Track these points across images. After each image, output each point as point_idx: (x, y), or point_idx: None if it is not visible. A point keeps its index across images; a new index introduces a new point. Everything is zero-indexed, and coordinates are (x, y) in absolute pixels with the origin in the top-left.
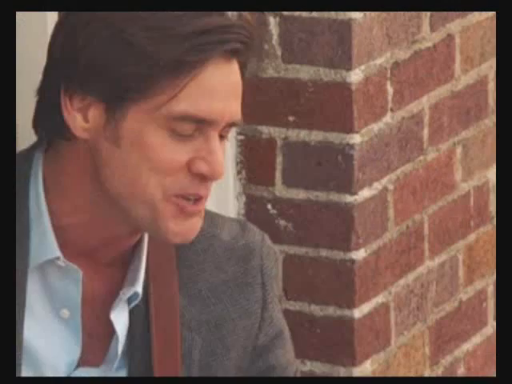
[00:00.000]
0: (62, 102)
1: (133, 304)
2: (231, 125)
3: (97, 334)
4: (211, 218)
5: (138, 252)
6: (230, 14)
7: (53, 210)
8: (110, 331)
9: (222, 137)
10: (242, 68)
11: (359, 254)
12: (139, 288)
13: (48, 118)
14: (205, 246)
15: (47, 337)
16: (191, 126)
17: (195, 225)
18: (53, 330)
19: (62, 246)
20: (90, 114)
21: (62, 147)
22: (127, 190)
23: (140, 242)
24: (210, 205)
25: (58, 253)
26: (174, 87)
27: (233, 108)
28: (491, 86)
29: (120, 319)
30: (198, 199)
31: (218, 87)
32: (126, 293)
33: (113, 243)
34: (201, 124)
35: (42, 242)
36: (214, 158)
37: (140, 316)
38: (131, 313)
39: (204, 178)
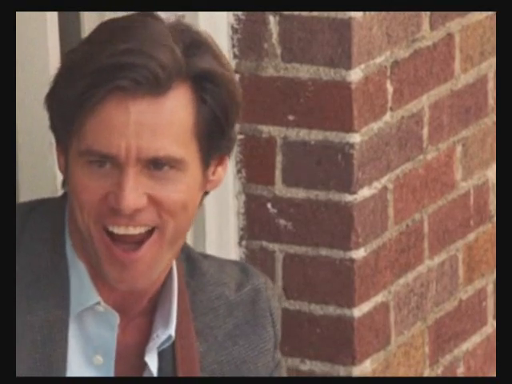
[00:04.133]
0: (56, 146)
1: (163, 346)
2: (157, 160)
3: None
4: (220, 265)
5: (163, 298)
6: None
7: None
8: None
9: (153, 172)
10: (201, 101)
11: (359, 253)
12: (172, 331)
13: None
14: (218, 293)
15: None
16: (103, 161)
17: (138, 274)
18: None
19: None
20: (64, 156)
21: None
22: (81, 228)
23: (165, 286)
24: (211, 204)
25: (98, 298)
26: (79, 125)
27: (147, 145)
28: (491, 85)
29: (153, 362)
30: (137, 247)
31: (119, 124)
32: (160, 335)
33: (136, 295)
34: (112, 160)
35: (81, 289)
36: (119, 192)
37: (168, 359)
38: (160, 356)
39: (118, 212)
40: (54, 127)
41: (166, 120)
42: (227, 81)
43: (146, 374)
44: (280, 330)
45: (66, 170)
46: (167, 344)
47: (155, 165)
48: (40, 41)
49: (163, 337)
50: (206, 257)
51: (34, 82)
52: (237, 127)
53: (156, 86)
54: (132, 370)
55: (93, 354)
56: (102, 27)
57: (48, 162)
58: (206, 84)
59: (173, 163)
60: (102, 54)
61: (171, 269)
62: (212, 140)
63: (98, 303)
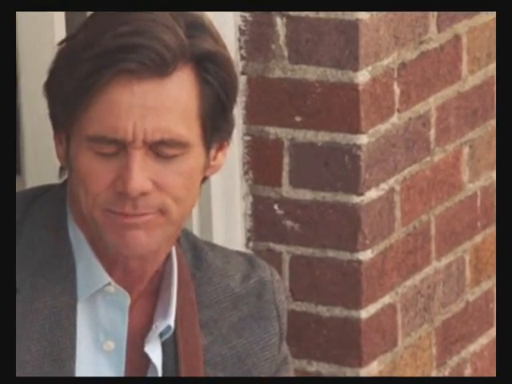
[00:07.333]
0: (53, 134)
1: (164, 337)
2: (163, 142)
3: (132, 368)
4: (226, 256)
5: (165, 285)
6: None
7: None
8: (145, 364)
9: (158, 155)
10: (204, 82)
11: (366, 255)
12: (171, 321)
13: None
14: (223, 285)
15: (89, 373)
16: (110, 146)
17: (137, 238)
18: (95, 366)
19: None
20: (64, 144)
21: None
22: (83, 211)
23: (165, 274)
24: (218, 206)
25: (108, 279)
26: (83, 109)
27: (152, 127)
28: None
29: (154, 352)
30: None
31: (125, 107)
32: (158, 326)
33: (136, 274)
34: (118, 144)
35: (90, 272)
36: (127, 173)
37: (171, 351)
38: (162, 346)
39: (124, 196)
40: (54, 115)
41: (171, 102)
42: (227, 62)
43: (150, 364)
44: (286, 324)
45: (66, 157)
46: (168, 335)
47: (161, 147)
48: (47, 41)
49: (161, 327)
50: (212, 247)
51: (40, 83)
52: (243, 128)
53: (161, 68)
54: (136, 355)
55: (104, 340)
56: (99, 13)
57: (53, 165)
58: (209, 65)
59: (178, 145)
60: (104, 37)
61: (172, 258)
62: (214, 122)
63: (109, 284)
